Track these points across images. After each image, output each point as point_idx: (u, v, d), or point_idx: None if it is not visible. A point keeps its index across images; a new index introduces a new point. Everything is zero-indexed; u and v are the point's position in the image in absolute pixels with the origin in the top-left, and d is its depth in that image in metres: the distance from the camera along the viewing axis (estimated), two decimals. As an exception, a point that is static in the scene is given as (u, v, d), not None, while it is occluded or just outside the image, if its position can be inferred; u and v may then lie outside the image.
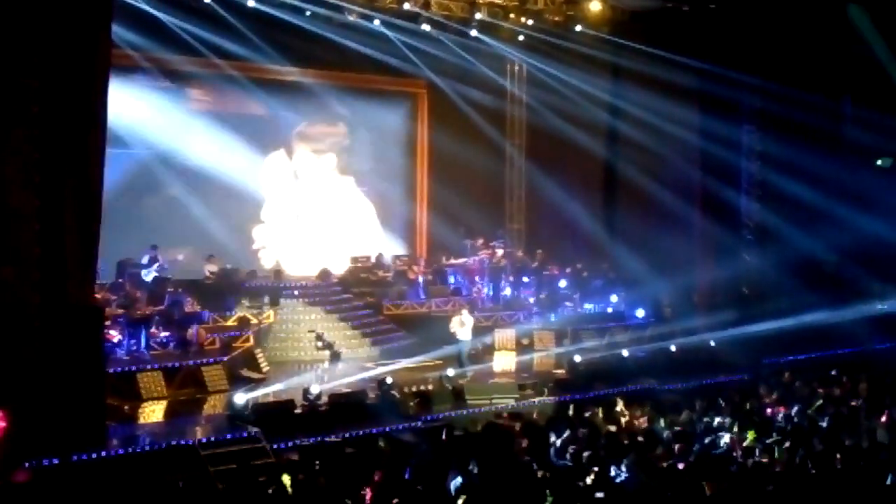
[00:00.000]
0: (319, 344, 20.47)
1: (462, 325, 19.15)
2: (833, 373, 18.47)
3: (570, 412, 15.73)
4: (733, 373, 19.55)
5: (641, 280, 23.29)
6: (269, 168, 24.54)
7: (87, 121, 13.40)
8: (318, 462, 12.40)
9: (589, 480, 10.66)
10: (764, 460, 11.91)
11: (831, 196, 23.01)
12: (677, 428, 14.01)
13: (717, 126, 23.05)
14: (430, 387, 17.44)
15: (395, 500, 9.62)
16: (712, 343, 20.68)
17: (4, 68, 12.61)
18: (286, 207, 24.79)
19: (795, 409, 14.91)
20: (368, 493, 10.16)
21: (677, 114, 23.05)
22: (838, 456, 11.60)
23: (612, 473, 10.81)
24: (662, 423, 14.50)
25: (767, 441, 12.65)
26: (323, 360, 19.90)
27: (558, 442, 12.67)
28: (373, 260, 24.08)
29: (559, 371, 19.42)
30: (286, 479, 10.74)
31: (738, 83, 22.98)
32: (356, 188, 25.84)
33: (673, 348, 20.36)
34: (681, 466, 11.40)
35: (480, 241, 24.76)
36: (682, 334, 20.77)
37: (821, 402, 15.67)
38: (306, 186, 25.23)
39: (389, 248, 25.22)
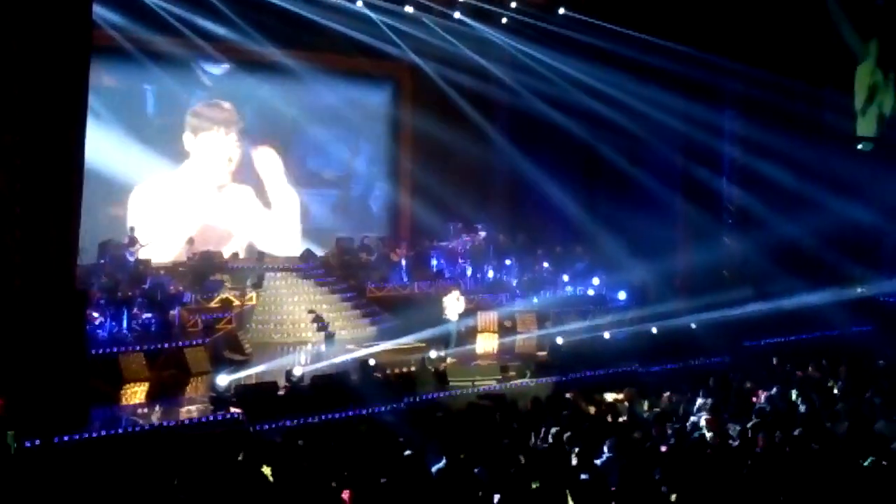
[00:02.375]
0: (315, 325, 20.52)
1: (452, 306, 19.42)
2: (813, 358, 18.58)
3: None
4: (714, 355, 19.71)
5: (623, 263, 23.41)
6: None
7: (68, 102, 13.34)
8: (300, 443, 12.43)
9: (573, 462, 10.76)
10: (740, 443, 12.02)
11: (812, 181, 23.20)
12: (658, 410, 14.13)
13: (700, 111, 23.13)
14: (412, 368, 17.49)
15: (380, 481, 9.66)
16: (693, 326, 20.81)
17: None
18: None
19: (774, 391, 15.03)
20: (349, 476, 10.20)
21: (660, 98, 23.12)
22: (815, 439, 11.73)
23: (594, 455, 10.90)
24: (644, 405, 14.61)
25: (747, 424, 12.74)
26: (309, 342, 19.96)
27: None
28: (357, 242, 24.13)
29: (541, 353, 19.52)
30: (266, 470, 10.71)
31: (721, 68, 23.06)
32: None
33: (654, 331, 20.49)
34: (662, 449, 11.50)
35: (462, 224, 24.80)
36: (664, 317, 20.88)
37: (799, 384, 15.82)
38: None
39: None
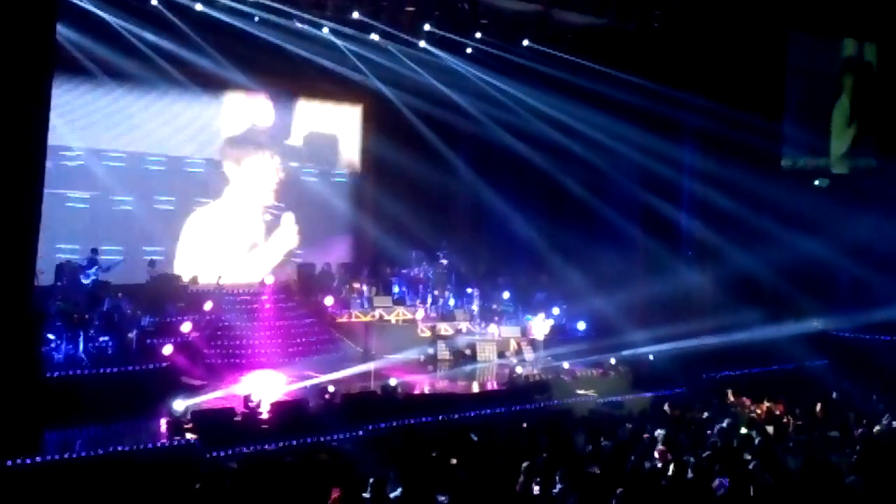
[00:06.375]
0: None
1: (538, 326, 21.69)
2: (769, 391, 18.77)
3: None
4: (671, 387, 19.84)
5: (583, 294, 23.54)
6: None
7: (27, 119, 13.23)
8: (256, 471, 12.35)
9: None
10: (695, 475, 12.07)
11: (770, 215, 23.53)
12: (613, 441, 14.16)
13: (660, 144, 23.39)
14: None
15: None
16: (651, 357, 20.96)
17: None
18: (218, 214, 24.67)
19: (728, 423, 15.13)
20: None
21: (621, 131, 23.38)
22: (770, 472, 11.83)
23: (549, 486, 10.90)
24: (601, 436, 14.63)
25: (703, 455, 12.82)
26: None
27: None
28: (318, 269, 24.10)
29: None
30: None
31: (681, 102, 23.37)
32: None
33: (613, 362, 20.63)
34: (613, 479, 11.51)
35: (424, 252, 24.83)
36: (622, 348, 21.04)
37: (755, 417, 15.97)
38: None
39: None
